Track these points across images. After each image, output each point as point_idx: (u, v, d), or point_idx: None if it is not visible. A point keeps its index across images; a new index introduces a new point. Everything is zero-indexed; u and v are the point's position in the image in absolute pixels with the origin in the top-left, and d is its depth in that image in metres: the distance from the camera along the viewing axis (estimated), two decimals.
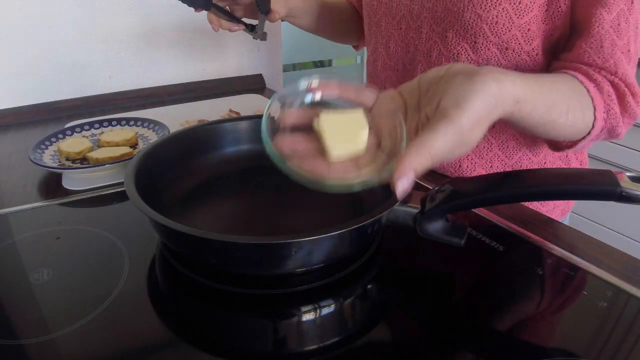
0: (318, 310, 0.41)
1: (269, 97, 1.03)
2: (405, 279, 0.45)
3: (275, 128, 0.41)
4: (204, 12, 0.72)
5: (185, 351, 0.37)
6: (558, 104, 0.47)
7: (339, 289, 0.43)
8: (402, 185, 0.35)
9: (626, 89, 0.52)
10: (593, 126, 0.52)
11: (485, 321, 0.40)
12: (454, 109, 0.37)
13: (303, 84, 0.43)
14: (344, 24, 0.88)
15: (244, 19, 0.75)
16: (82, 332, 0.38)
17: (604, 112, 0.52)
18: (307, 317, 0.40)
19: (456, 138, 0.36)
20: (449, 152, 0.37)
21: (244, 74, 1.17)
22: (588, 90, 0.51)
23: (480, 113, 0.37)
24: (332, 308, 0.41)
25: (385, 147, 0.41)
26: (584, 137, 0.53)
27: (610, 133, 0.54)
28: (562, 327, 0.39)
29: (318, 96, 0.43)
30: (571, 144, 0.55)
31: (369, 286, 0.44)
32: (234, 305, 0.42)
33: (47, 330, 0.38)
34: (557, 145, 0.58)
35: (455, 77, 0.39)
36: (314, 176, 0.38)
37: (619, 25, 0.51)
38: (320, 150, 0.40)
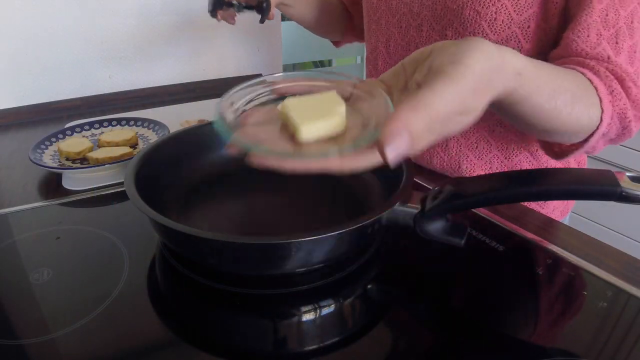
0: (318, 310, 0.41)
1: None
2: (405, 279, 0.45)
3: (231, 127, 0.34)
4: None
5: (185, 351, 0.37)
6: (563, 90, 0.43)
7: (339, 289, 0.43)
8: (396, 150, 0.28)
9: (624, 74, 0.50)
10: (601, 119, 0.47)
11: (485, 321, 0.40)
12: (452, 65, 0.31)
13: (260, 80, 0.38)
14: (331, 18, 0.88)
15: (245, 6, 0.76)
16: (82, 332, 0.38)
17: (608, 94, 0.48)
18: (307, 317, 0.40)
19: (458, 100, 0.30)
20: (449, 118, 0.31)
21: (244, 74, 1.17)
22: (589, 80, 0.47)
23: (483, 70, 0.32)
24: (332, 308, 0.41)
25: (371, 123, 0.34)
26: (593, 133, 0.48)
27: (622, 121, 0.50)
28: (562, 327, 0.39)
29: (282, 90, 0.37)
30: (576, 145, 0.51)
31: (369, 286, 0.44)
32: (234, 305, 0.42)
33: (47, 330, 0.38)
34: (553, 151, 0.54)
35: (446, 45, 0.34)
36: (288, 153, 0.31)
37: (607, 15, 0.50)
38: (290, 137, 0.33)
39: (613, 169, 0.38)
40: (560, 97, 0.42)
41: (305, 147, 0.31)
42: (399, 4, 0.64)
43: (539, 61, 0.42)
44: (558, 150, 0.54)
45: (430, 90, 0.30)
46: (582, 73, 0.48)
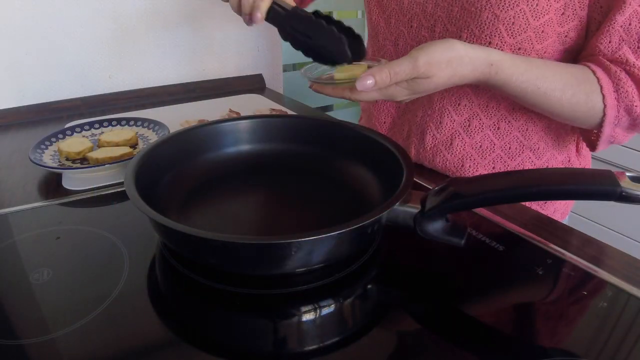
0: (318, 310, 0.41)
1: (269, 97, 1.03)
2: (405, 279, 0.45)
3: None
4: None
5: (185, 351, 0.37)
6: (550, 77, 0.52)
7: (339, 289, 0.43)
8: (362, 82, 0.49)
9: None
10: (604, 113, 0.53)
11: (485, 321, 0.40)
12: (416, 51, 0.50)
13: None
14: None
15: None
16: (82, 332, 0.38)
17: (613, 92, 0.53)
18: (307, 317, 0.40)
19: (411, 67, 0.49)
20: (413, 81, 0.50)
21: (244, 74, 1.17)
22: (598, 78, 0.53)
23: (438, 57, 0.49)
24: (332, 308, 0.41)
25: None
26: (602, 122, 0.54)
27: (631, 114, 0.54)
28: (562, 327, 0.39)
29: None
30: (596, 134, 0.57)
31: (369, 286, 0.44)
32: (234, 305, 0.42)
33: (47, 330, 0.38)
34: (590, 140, 0.60)
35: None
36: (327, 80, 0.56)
37: (629, 24, 0.52)
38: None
39: (613, 169, 0.38)
40: (545, 84, 0.53)
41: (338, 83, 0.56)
42: (411, 3, 0.63)
43: (523, 57, 0.54)
44: (595, 138, 0.60)
45: (394, 62, 0.50)
46: (593, 71, 0.54)
